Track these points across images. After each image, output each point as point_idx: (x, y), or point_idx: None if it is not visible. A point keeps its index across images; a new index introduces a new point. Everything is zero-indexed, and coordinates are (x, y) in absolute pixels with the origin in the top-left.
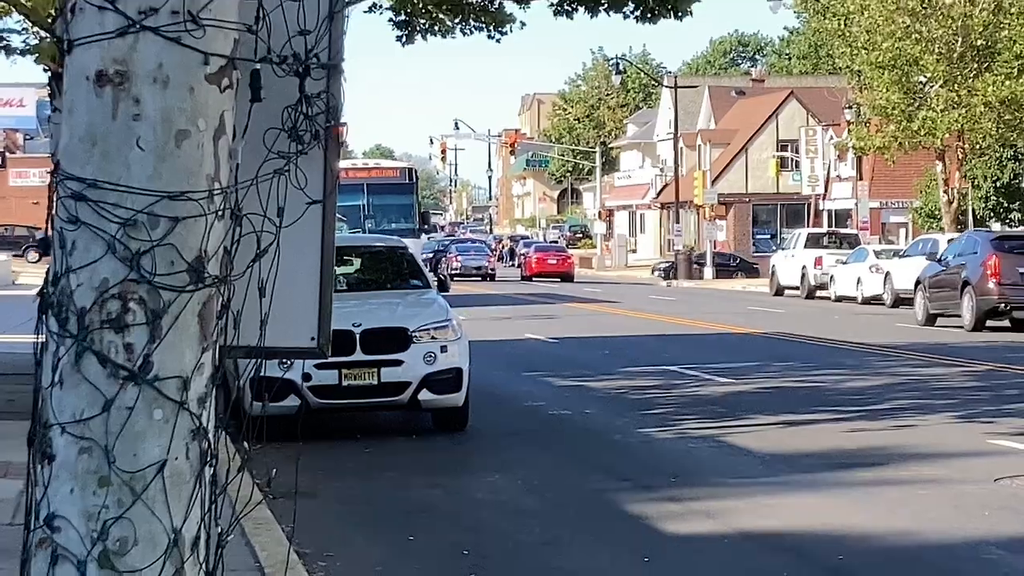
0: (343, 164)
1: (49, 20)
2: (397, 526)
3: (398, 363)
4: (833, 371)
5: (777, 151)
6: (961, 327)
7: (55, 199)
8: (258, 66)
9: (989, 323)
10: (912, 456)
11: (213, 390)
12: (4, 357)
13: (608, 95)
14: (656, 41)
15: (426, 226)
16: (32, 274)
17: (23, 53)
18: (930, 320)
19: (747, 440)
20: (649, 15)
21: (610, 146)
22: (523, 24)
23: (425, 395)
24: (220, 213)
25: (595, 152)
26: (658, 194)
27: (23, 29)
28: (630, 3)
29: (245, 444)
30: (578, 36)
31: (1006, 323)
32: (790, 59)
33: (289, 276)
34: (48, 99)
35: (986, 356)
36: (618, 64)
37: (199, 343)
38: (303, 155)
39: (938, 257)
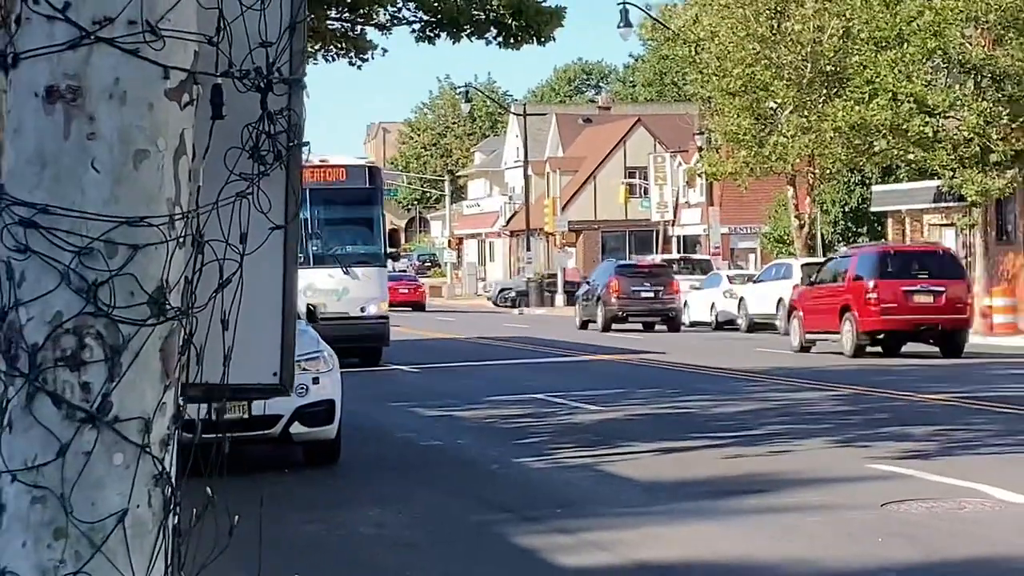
0: None
1: None
2: (282, 564)
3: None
4: (701, 396)
5: (626, 178)
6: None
7: (0, 226)
8: (220, 80)
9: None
10: (795, 482)
11: (175, 432)
12: None
13: (455, 123)
14: (501, 70)
15: (394, 250)
16: None
17: None
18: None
19: (626, 468)
20: (512, 40)
21: (458, 174)
22: (385, 51)
23: (297, 428)
24: (181, 240)
25: (443, 180)
26: (507, 222)
27: None
28: (493, 29)
29: (208, 489)
30: (421, 65)
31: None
32: (635, 86)
33: (250, 307)
34: None
35: (855, 380)
36: (467, 92)
37: (161, 381)
38: (265, 176)
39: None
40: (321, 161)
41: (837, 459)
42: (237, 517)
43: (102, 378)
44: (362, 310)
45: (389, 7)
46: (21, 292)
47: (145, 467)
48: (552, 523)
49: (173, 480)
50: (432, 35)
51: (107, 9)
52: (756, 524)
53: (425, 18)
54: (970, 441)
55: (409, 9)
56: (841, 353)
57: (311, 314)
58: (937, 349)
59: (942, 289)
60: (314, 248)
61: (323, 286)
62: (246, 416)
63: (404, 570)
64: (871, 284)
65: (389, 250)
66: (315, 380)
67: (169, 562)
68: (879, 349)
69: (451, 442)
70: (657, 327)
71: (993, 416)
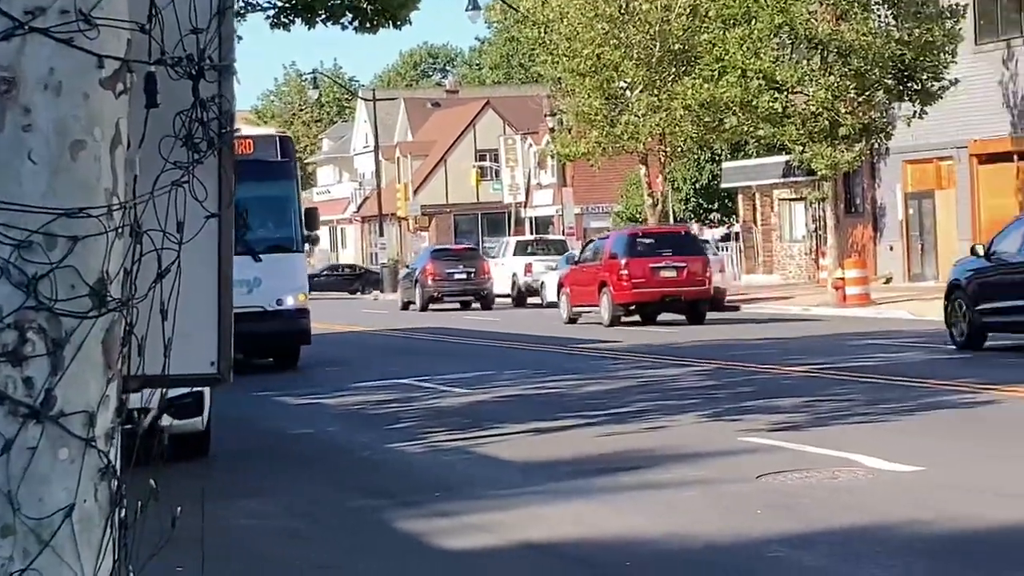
0: None
1: None
2: (162, 557)
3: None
4: (568, 376)
5: (476, 161)
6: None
7: None
8: (153, 68)
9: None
10: (670, 457)
11: (119, 425)
12: None
13: (302, 110)
14: (347, 56)
15: (312, 233)
16: None
17: None
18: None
19: (501, 450)
20: (368, 24)
21: (306, 162)
22: (240, 38)
23: (166, 420)
24: (120, 230)
25: None
26: (359, 208)
27: None
28: (348, 13)
29: (151, 481)
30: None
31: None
32: (482, 69)
33: (188, 296)
34: None
35: (714, 355)
36: (314, 79)
37: (104, 374)
38: (199, 164)
39: None
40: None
41: (709, 433)
42: (180, 508)
43: (45, 372)
44: (278, 302)
45: None
46: None
47: (91, 461)
48: (432, 507)
49: (119, 473)
50: (287, 21)
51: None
52: (634, 501)
53: (280, 4)
54: (838, 411)
55: None
56: (600, 323)
57: None
58: (683, 317)
59: (684, 265)
60: None
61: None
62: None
63: (287, 560)
64: (623, 262)
65: (307, 232)
66: None
67: (117, 556)
68: (638, 318)
69: (322, 430)
70: (473, 305)
71: (856, 385)
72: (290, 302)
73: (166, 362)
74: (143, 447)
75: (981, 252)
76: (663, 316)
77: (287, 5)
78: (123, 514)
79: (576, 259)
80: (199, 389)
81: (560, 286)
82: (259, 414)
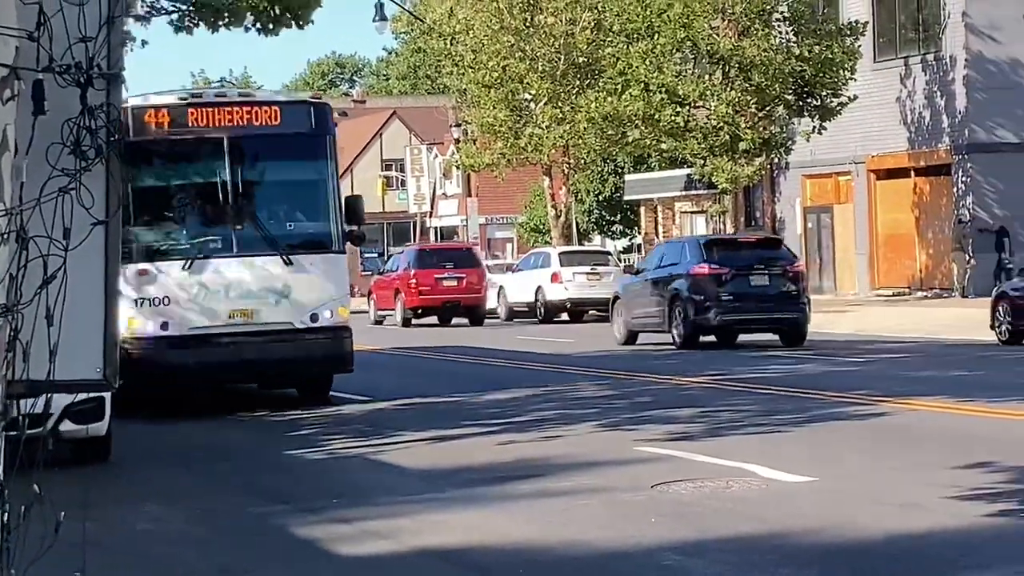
0: (166, 100)
1: None
2: (61, 563)
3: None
4: (467, 385)
5: (382, 171)
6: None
7: None
8: (41, 76)
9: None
10: (567, 466)
11: (1, 430)
12: None
13: None
14: (255, 64)
15: (355, 228)
16: None
17: None
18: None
19: (400, 458)
20: (271, 26)
21: None
22: (144, 43)
23: (67, 425)
24: (6, 236)
25: None
26: None
27: None
28: (250, 16)
29: (35, 486)
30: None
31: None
32: (389, 80)
33: (74, 303)
34: None
35: (616, 366)
36: (221, 87)
37: None
38: (87, 172)
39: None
40: (243, 97)
41: (606, 443)
42: (63, 513)
43: None
44: (312, 318)
45: None
46: None
47: None
48: (331, 513)
49: (1, 477)
50: (191, 24)
51: None
52: (530, 508)
53: (183, 7)
54: (733, 422)
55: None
56: (396, 325)
57: None
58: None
59: (463, 276)
60: (237, 228)
61: (252, 285)
62: (15, 416)
63: (188, 564)
64: (412, 272)
65: (348, 227)
66: None
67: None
68: (435, 320)
69: (223, 436)
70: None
71: (752, 397)
72: (327, 317)
73: (51, 367)
74: (29, 451)
75: (636, 269)
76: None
77: (190, 8)
78: (5, 518)
79: (380, 270)
80: (100, 395)
81: (370, 292)
82: (160, 419)
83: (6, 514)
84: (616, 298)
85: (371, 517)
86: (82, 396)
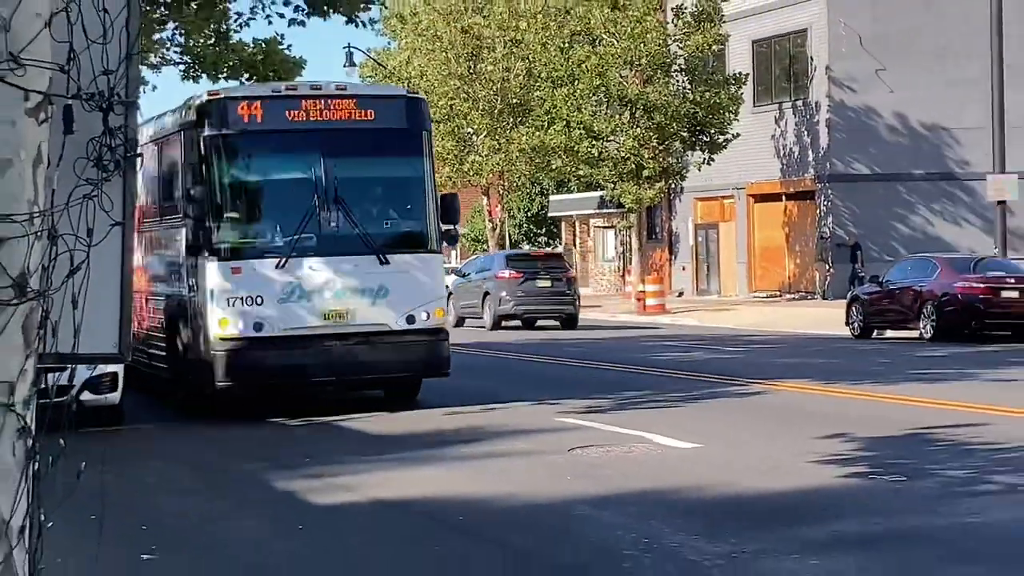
0: (260, 91)
1: None
2: (76, 509)
3: (64, 369)
4: None
5: None
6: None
7: None
8: (70, 102)
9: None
10: (501, 433)
11: (35, 394)
12: None
13: None
14: None
15: (451, 227)
16: None
17: None
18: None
19: (362, 425)
20: (256, 79)
21: None
22: (155, 87)
23: (86, 395)
24: (39, 234)
25: None
26: None
27: None
28: (245, 72)
29: (61, 441)
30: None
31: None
32: None
33: (95, 290)
34: None
35: (544, 352)
36: None
37: (23, 351)
38: (107, 182)
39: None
40: (338, 89)
41: (533, 414)
42: (84, 464)
43: None
44: (409, 319)
45: (161, 51)
46: None
47: (11, 423)
48: (304, 470)
49: (33, 433)
50: (195, 75)
51: None
52: (471, 468)
53: (189, 61)
54: (636, 398)
55: (176, 53)
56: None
57: None
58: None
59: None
60: (332, 224)
61: (348, 284)
62: (45, 387)
63: (184, 511)
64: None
65: (445, 226)
66: None
67: (30, 502)
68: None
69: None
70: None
71: (651, 379)
72: (424, 318)
73: (76, 342)
74: (56, 415)
75: (461, 272)
76: None
77: (195, 63)
78: (36, 467)
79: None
80: (115, 371)
81: (448, 295)
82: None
83: (37, 464)
84: (450, 293)
85: (338, 473)
86: (99, 372)
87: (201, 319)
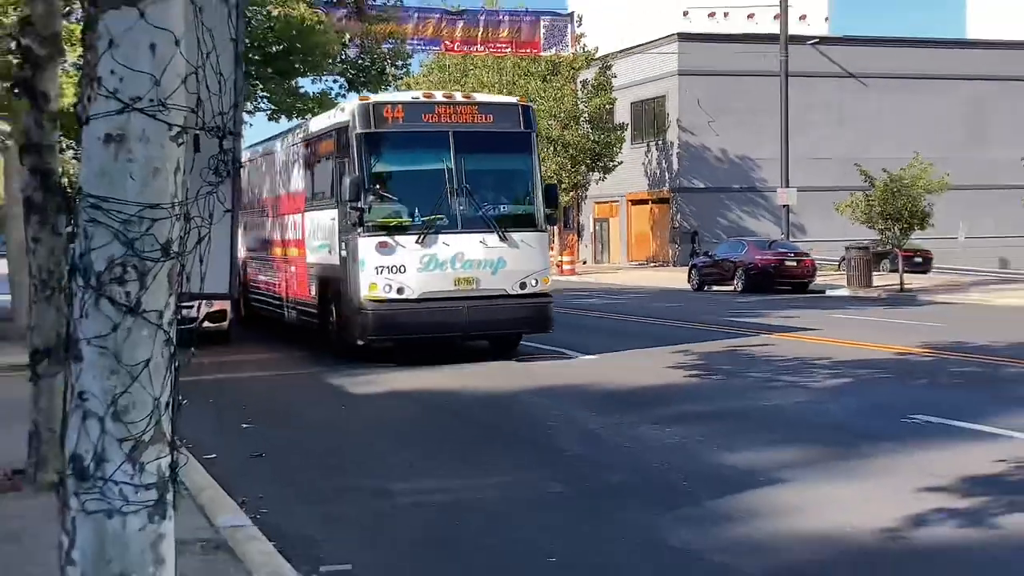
0: (401, 97)
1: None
2: (199, 395)
3: (192, 306)
4: None
5: None
6: None
7: (79, 209)
8: (198, 132)
9: None
10: (476, 351)
11: (176, 317)
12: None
13: None
14: None
15: (552, 211)
16: None
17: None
18: None
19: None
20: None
21: None
22: (251, 124)
23: (206, 324)
24: (178, 216)
25: None
26: None
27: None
28: (310, 114)
29: (192, 350)
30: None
31: None
32: None
33: (214, 252)
34: None
35: None
36: None
37: (168, 290)
38: (221, 184)
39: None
40: (465, 98)
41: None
42: (192, 350)
43: (137, 289)
44: (522, 286)
45: (255, 101)
46: (91, 243)
47: (160, 336)
48: (348, 373)
49: (174, 344)
50: (276, 117)
51: (138, 92)
52: (450, 373)
53: (273, 108)
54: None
55: (263, 103)
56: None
57: None
58: None
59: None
60: (461, 207)
61: (475, 255)
62: (196, 316)
63: (267, 400)
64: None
65: (547, 210)
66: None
67: (172, 387)
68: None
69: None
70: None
71: (575, 317)
72: (533, 285)
73: (202, 285)
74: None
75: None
76: None
77: (278, 109)
78: (176, 365)
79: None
80: (225, 307)
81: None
82: (267, 322)
83: (176, 363)
84: None
85: (368, 375)
86: (215, 308)
87: (353, 284)
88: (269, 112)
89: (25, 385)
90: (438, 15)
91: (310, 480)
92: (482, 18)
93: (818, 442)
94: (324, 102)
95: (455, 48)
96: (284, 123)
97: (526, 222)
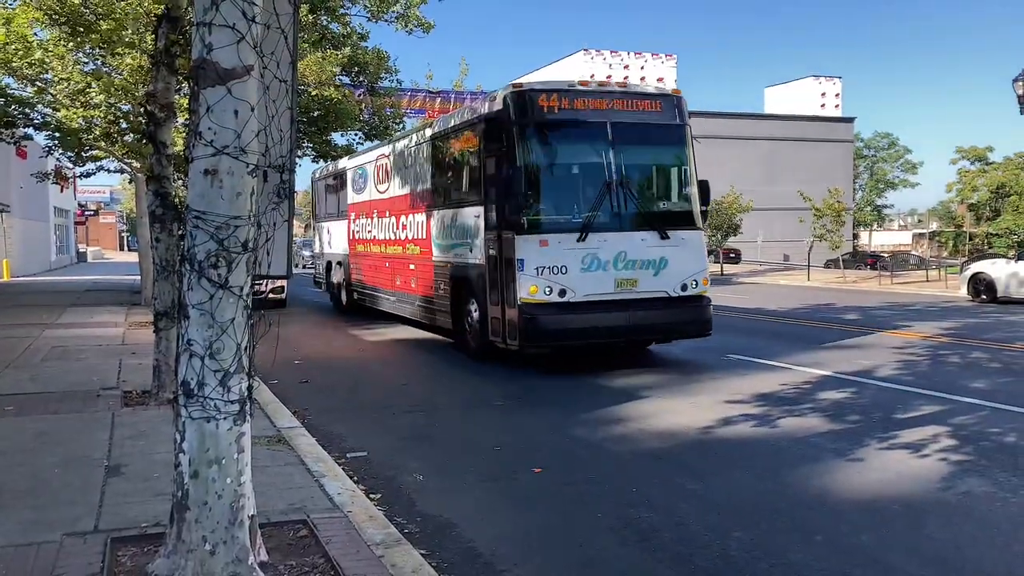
0: (556, 85)
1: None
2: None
3: (262, 283)
4: None
5: None
6: None
7: (187, 219)
8: (266, 169)
9: None
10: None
11: (251, 291)
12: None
13: None
14: None
15: (705, 209)
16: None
17: (108, 170)
18: None
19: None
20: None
21: None
22: (300, 164)
23: (271, 295)
24: (253, 224)
25: None
26: None
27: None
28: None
29: (262, 312)
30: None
31: None
32: None
33: (276, 247)
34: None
35: None
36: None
37: (247, 272)
38: (281, 202)
39: None
40: (620, 87)
41: None
42: (271, 322)
43: (225, 272)
44: (683, 288)
45: (300, 149)
46: (195, 242)
47: (241, 304)
48: (362, 325)
49: (250, 308)
50: (316, 159)
51: (226, 142)
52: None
53: (315, 153)
54: None
55: (308, 150)
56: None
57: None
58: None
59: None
60: (621, 203)
61: (637, 255)
62: (254, 288)
63: (296, 341)
64: None
65: (702, 207)
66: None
67: (250, 339)
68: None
69: (326, 302)
70: None
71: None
72: (694, 287)
73: (268, 269)
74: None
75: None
76: None
77: (317, 154)
78: (252, 323)
79: None
80: (283, 284)
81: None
82: (313, 296)
83: (252, 322)
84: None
85: (374, 328)
86: (277, 285)
87: (507, 285)
88: (312, 156)
89: (150, 335)
90: (423, 94)
91: (339, 398)
92: (452, 95)
93: (665, 372)
94: (349, 150)
95: (435, 116)
96: (321, 163)
97: (685, 220)
